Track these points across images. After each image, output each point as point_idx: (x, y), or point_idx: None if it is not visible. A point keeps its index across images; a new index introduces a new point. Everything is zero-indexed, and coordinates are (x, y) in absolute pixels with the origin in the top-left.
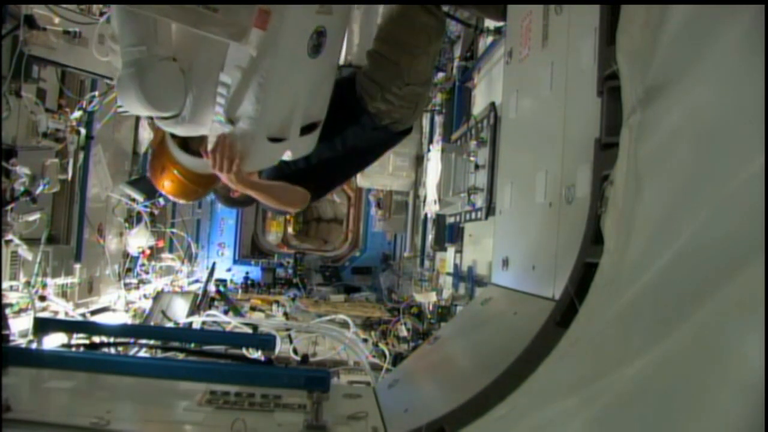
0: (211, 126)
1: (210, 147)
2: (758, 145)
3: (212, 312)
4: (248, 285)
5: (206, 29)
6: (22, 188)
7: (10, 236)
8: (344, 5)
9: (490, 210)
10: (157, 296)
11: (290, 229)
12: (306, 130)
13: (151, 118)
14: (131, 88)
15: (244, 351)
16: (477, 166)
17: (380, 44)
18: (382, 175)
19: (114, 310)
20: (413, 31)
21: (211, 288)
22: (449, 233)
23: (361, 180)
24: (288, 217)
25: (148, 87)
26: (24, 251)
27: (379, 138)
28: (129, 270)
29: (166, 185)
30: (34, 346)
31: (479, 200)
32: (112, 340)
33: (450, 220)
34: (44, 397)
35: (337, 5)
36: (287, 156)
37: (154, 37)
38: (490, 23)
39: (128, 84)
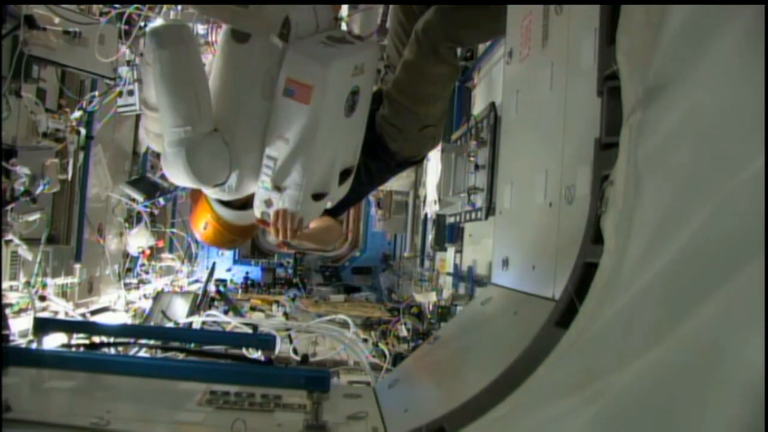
0: (257, 192)
1: (257, 213)
2: (758, 145)
3: (212, 312)
4: (248, 285)
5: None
6: (22, 188)
7: (10, 236)
8: (373, 60)
9: (490, 210)
10: (157, 296)
11: None
12: (342, 176)
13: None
14: (180, 166)
15: (244, 351)
16: (477, 166)
17: (398, 94)
18: None
19: (114, 310)
20: (429, 83)
21: (211, 288)
22: (449, 233)
23: None
24: None
25: (196, 165)
26: (24, 251)
27: (402, 168)
28: (129, 270)
29: (205, 235)
30: (34, 346)
31: (479, 200)
32: (112, 340)
33: (450, 220)
34: (44, 397)
35: (368, 63)
36: (328, 205)
37: (198, 115)
38: None
39: (177, 162)
